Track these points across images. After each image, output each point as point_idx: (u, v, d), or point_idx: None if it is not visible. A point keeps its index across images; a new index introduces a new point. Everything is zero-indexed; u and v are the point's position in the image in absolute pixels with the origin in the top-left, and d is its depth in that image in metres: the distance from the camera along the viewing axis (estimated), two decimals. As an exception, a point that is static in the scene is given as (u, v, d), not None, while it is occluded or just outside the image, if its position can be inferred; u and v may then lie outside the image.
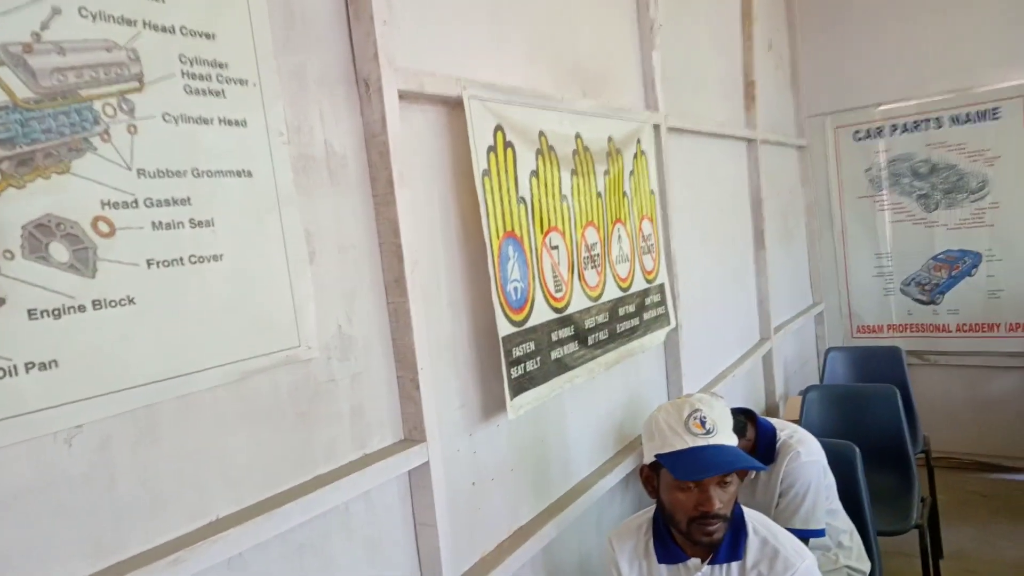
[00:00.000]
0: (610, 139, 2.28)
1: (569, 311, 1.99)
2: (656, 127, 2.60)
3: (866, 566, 2.22)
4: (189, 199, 1.11)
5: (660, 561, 1.58)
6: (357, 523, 1.37)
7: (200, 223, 1.12)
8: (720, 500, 1.44)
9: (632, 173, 2.41)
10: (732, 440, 1.51)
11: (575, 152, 2.08)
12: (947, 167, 4.33)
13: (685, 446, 1.45)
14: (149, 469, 1.04)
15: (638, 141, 2.46)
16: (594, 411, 2.23)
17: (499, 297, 1.68)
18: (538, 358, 1.83)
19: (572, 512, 1.96)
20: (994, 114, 4.16)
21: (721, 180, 3.40)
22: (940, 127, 4.32)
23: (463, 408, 1.67)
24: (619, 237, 2.31)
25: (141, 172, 1.05)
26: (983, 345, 4.37)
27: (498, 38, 1.89)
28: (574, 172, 2.06)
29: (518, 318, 1.76)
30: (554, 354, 1.91)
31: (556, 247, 1.95)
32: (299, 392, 1.27)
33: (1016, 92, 4.08)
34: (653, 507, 1.64)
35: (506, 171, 1.76)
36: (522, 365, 1.76)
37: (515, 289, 1.75)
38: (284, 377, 1.24)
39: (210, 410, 1.12)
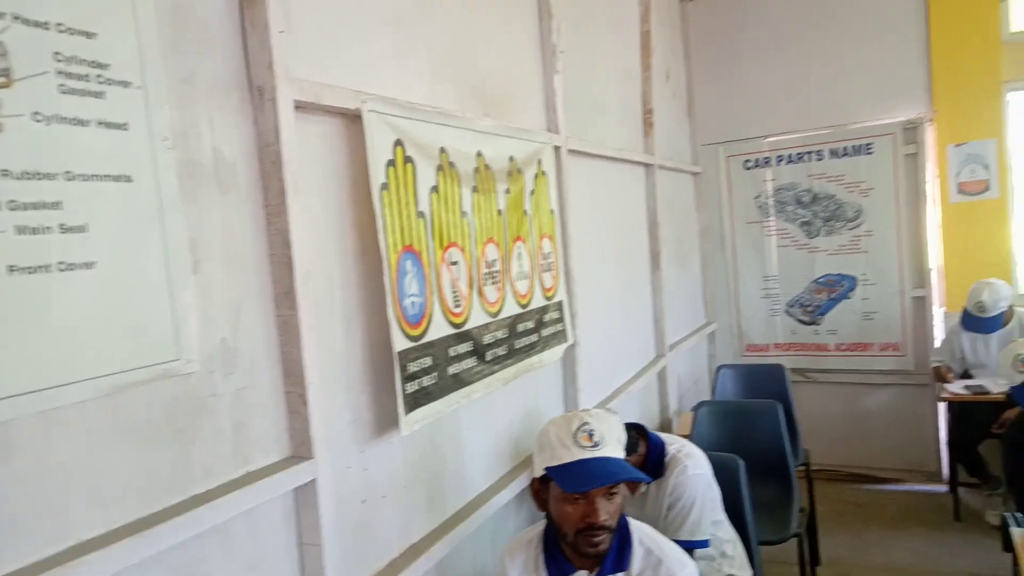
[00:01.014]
0: (511, 159, 2.32)
1: (468, 326, 2.00)
2: (557, 149, 2.67)
3: (748, 574, 2.32)
4: (60, 203, 1.05)
5: (550, 574, 1.60)
6: (237, 544, 1.32)
7: (71, 228, 1.06)
8: (606, 511, 1.48)
9: (533, 192, 2.46)
10: (619, 453, 1.56)
11: (476, 170, 2.10)
12: (827, 196, 4.64)
13: (573, 458, 1.48)
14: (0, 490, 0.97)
15: (539, 162, 2.51)
16: (491, 426, 2.24)
17: (395, 311, 1.67)
18: (435, 373, 1.83)
19: (466, 528, 1.96)
20: (868, 149, 4.50)
21: (620, 202, 3.51)
22: (821, 159, 4.63)
23: (355, 424, 1.64)
24: (519, 254, 2.35)
25: (5, 173, 0.98)
26: (858, 363, 4.69)
27: (401, 54, 1.90)
28: (475, 189, 2.08)
29: (415, 333, 1.76)
30: (451, 369, 1.91)
31: (455, 262, 1.96)
32: (177, 407, 1.22)
33: (886, 130, 4.43)
34: (545, 521, 1.66)
35: (405, 185, 1.76)
36: (418, 380, 1.75)
37: (412, 303, 1.75)
38: (161, 392, 1.19)
39: (76, 427, 1.06)
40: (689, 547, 2.13)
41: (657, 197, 3.86)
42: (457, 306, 1.95)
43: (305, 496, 1.44)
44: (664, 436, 2.34)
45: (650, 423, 3.77)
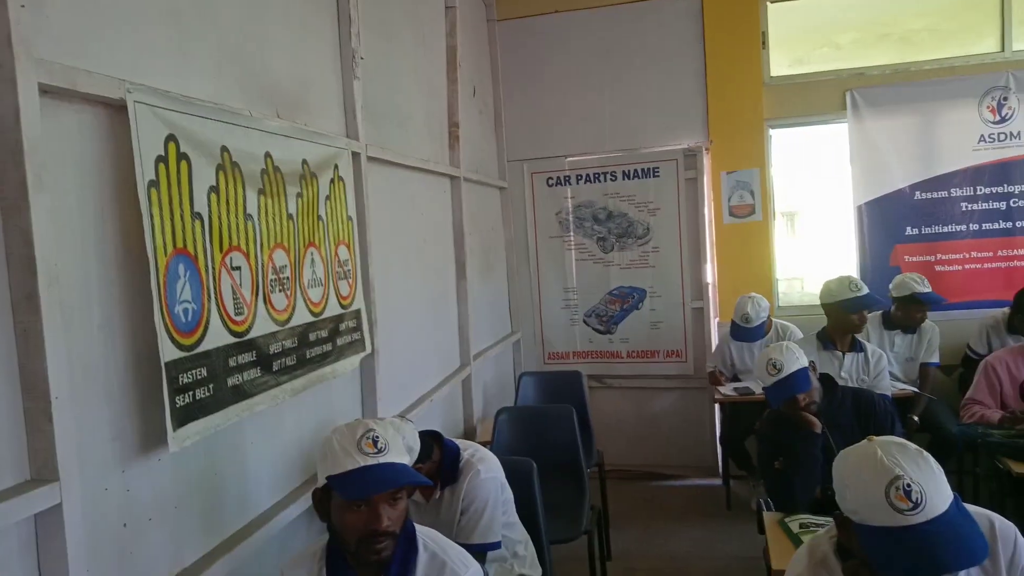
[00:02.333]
0: (305, 162, 2.25)
1: (251, 335, 1.91)
2: (356, 155, 2.63)
3: (538, 572, 2.41)
4: None
5: (333, 587, 1.56)
6: (-43, 583, 1.16)
7: None
8: (388, 518, 1.46)
9: (328, 198, 2.40)
10: (404, 459, 1.55)
11: (264, 171, 2.02)
12: (620, 215, 5.00)
13: (356, 466, 1.45)
14: None
15: (336, 167, 2.47)
16: (279, 439, 2.15)
17: (164, 319, 1.55)
18: (211, 385, 1.72)
19: (248, 547, 1.86)
20: (655, 172, 4.91)
21: (424, 213, 3.53)
22: (615, 180, 4.98)
23: (116, 441, 1.50)
24: (312, 261, 2.28)
25: None
26: (647, 369, 5.08)
27: (180, 44, 1.78)
28: (262, 192, 2.00)
29: (188, 342, 1.64)
30: (231, 380, 1.81)
31: (238, 268, 1.87)
32: None
33: (670, 156, 4.87)
34: (329, 534, 1.61)
35: (178, 184, 1.65)
36: (191, 392, 1.64)
37: (185, 311, 1.64)
38: None
39: None
40: (482, 549, 2.18)
41: (463, 209, 3.94)
42: (239, 314, 1.85)
43: (48, 523, 1.29)
44: (459, 442, 2.37)
45: (454, 430, 3.82)
